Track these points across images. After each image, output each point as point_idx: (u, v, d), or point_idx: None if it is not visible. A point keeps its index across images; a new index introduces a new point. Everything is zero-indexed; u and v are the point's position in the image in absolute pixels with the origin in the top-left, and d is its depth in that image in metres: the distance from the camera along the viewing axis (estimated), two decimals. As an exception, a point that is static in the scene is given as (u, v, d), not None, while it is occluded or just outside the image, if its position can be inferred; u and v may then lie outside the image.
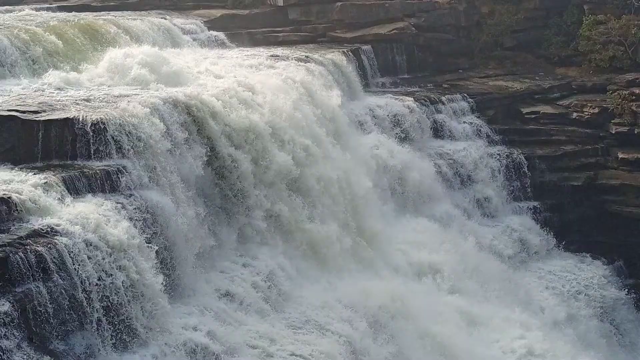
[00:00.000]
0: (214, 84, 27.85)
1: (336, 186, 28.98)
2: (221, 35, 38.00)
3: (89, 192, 20.47)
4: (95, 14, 36.68)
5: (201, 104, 25.35)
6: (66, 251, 18.18)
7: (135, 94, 25.13)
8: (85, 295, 18.40)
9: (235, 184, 25.81)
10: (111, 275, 19.01)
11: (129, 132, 22.18)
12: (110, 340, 18.96)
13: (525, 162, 37.83)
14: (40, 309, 17.40)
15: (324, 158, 29.00)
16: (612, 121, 38.35)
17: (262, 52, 35.05)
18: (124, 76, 27.21)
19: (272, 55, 34.10)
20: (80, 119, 21.76)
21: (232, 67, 31.22)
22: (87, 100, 24.28)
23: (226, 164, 25.58)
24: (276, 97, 28.30)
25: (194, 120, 24.89)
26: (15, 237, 17.83)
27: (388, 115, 35.23)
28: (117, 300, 19.11)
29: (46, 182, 19.78)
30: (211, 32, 38.24)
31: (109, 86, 26.59)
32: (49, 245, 17.96)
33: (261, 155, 26.59)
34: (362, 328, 25.01)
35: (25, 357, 16.69)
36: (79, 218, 19.10)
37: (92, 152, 21.63)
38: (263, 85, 28.90)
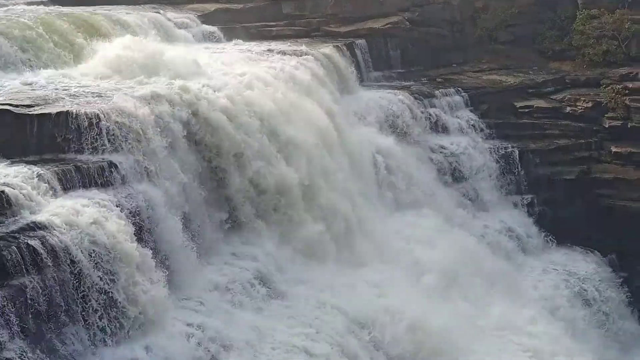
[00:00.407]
0: (249, 103, 25.43)
1: None
2: (215, 29, 37.91)
3: (82, 187, 20.51)
4: (89, 8, 36.53)
5: (229, 142, 23.90)
6: (59, 246, 18.20)
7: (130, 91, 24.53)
8: (78, 290, 18.47)
9: None
10: (103, 269, 19.05)
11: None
12: (104, 334, 18.95)
13: (519, 156, 37.86)
14: (34, 303, 17.42)
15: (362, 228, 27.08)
16: (606, 115, 38.46)
17: (272, 49, 34.45)
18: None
19: (279, 52, 33.60)
20: (75, 113, 21.71)
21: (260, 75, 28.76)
22: (80, 95, 24.13)
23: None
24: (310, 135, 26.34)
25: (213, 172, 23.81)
26: (8, 231, 17.86)
27: (382, 109, 35.21)
28: (109, 294, 19.14)
29: (39, 176, 19.79)
30: (205, 26, 38.16)
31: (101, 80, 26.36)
32: (41, 240, 17.98)
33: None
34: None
35: (18, 350, 16.72)
36: (70, 213, 19.12)
37: (85, 146, 21.61)
38: (297, 110, 27.18)
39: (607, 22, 41.33)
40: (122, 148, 21.87)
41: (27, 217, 18.54)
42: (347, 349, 23.03)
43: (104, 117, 21.87)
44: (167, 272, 21.44)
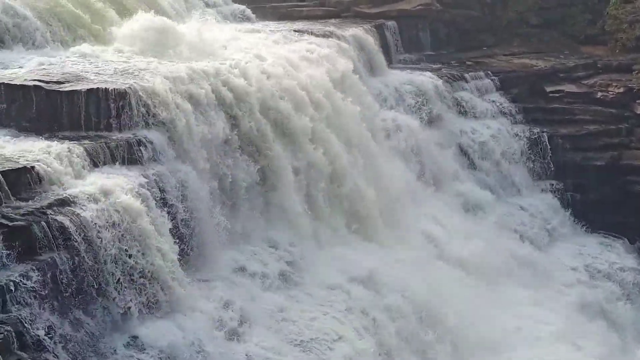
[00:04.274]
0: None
1: None
2: (246, 8, 37.81)
3: (112, 163, 20.56)
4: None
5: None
6: (88, 221, 18.24)
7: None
8: (106, 267, 18.55)
9: None
10: (130, 247, 19.13)
11: None
12: (130, 310, 19.01)
13: (549, 141, 37.61)
14: (62, 278, 17.51)
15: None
16: (637, 101, 37.97)
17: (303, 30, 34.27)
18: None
19: (310, 33, 33.42)
20: (105, 90, 21.71)
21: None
22: (110, 72, 24.04)
23: None
24: None
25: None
26: (37, 206, 17.93)
27: (411, 92, 35.04)
28: (137, 272, 19.24)
29: (69, 152, 19.86)
30: (235, 5, 38.06)
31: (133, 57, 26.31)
32: (70, 216, 18.07)
33: None
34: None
35: (46, 324, 16.82)
36: (100, 189, 19.17)
37: (115, 123, 21.62)
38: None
39: (642, 7, 40.90)
40: (152, 125, 21.87)
41: (56, 193, 18.58)
42: (375, 330, 23.19)
43: (134, 93, 21.86)
44: (194, 251, 21.56)
